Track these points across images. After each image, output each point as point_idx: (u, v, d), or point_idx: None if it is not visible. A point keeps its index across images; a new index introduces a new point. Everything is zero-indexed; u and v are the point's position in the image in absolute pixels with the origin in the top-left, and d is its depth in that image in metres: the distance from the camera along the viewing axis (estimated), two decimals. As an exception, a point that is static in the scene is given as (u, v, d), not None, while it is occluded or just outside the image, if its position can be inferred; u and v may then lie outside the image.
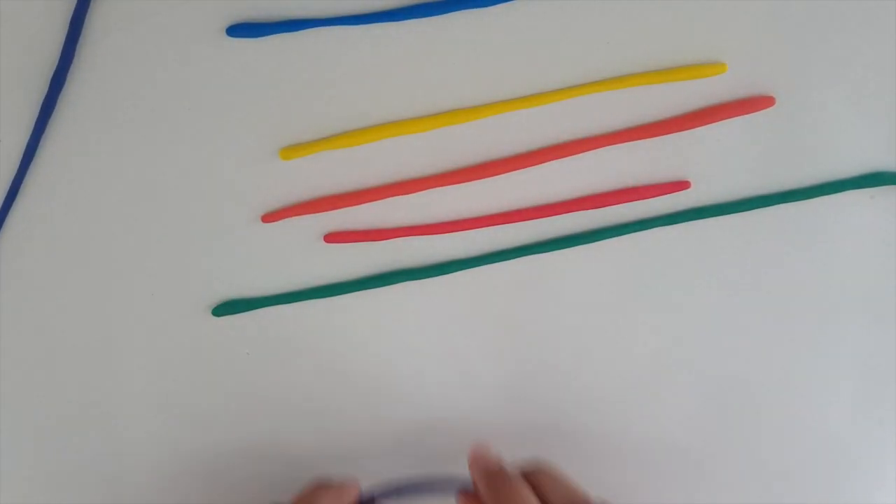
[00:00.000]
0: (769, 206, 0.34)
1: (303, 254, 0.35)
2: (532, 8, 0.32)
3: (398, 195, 0.34)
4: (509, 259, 0.35)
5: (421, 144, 0.34)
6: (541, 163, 0.34)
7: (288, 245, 0.35)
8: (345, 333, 0.36)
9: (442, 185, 0.34)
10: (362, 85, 0.33)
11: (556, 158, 0.34)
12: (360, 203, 0.34)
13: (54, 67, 0.32)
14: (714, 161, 0.34)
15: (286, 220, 0.34)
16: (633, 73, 0.33)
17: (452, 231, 0.35)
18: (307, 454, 0.37)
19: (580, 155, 0.34)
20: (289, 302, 0.35)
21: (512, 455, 0.33)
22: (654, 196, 0.34)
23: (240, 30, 0.32)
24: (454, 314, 0.36)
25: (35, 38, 0.32)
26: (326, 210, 0.34)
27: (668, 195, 0.34)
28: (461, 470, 0.33)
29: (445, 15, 0.32)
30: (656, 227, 0.35)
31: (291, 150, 0.33)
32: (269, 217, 0.34)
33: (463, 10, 0.32)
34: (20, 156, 0.33)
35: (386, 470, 0.37)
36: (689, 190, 0.34)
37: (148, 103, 0.33)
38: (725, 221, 0.35)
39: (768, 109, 0.33)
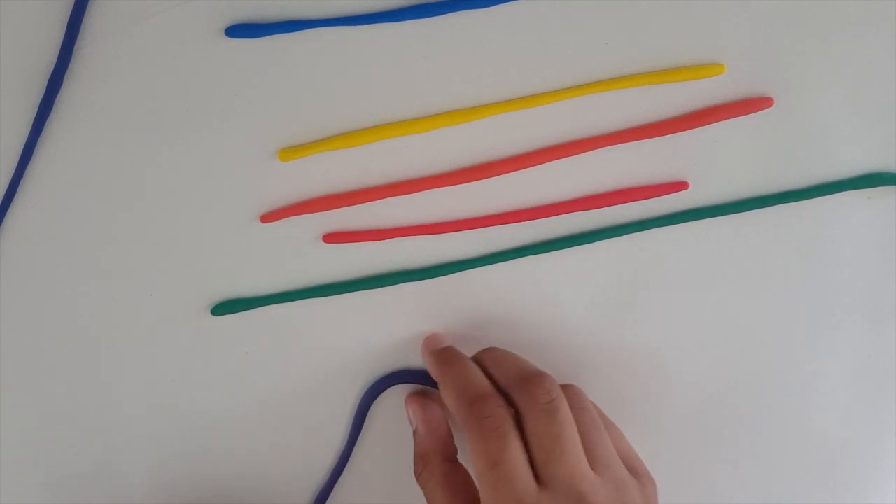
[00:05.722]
0: (767, 206, 0.34)
1: (301, 254, 0.35)
2: (532, 8, 0.32)
3: (397, 195, 0.34)
4: (508, 259, 0.35)
5: (420, 145, 0.34)
6: (539, 164, 0.34)
7: (286, 245, 0.35)
8: (343, 334, 0.36)
9: (441, 186, 0.34)
10: (361, 85, 0.33)
11: (555, 159, 0.34)
12: (359, 203, 0.34)
13: (52, 68, 0.32)
14: (712, 162, 0.34)
15: (285, 220, 0.34)
16: (631, 73, 0.33)
17: (451, 231, 0.35)
18: (307, 453, 0.37)
19: (579, 156, 0.34)
20: (288, 301, 0.35)
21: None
22: (652, 197, 0.34)
23: (239, 30, 0.32)
24: (453, 314, 0.36)
25: (33, 38, 0.32)
26: (325, 210, 0.34)
27: (667, 196, 0.34)
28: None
29: (445, 15, 0.32)
30: (655, 227, 0.35)
31: (290, 151, 0.33)
32: (268, 217, 0.34)
33: (463, 11, 0.32)
34: (18, 157, 0.33)
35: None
36: (687, 191, 0.34)
37: (146, 104, 0.33)
38: (723, 222, 0.35)
39: (766, 110, 0.33)
